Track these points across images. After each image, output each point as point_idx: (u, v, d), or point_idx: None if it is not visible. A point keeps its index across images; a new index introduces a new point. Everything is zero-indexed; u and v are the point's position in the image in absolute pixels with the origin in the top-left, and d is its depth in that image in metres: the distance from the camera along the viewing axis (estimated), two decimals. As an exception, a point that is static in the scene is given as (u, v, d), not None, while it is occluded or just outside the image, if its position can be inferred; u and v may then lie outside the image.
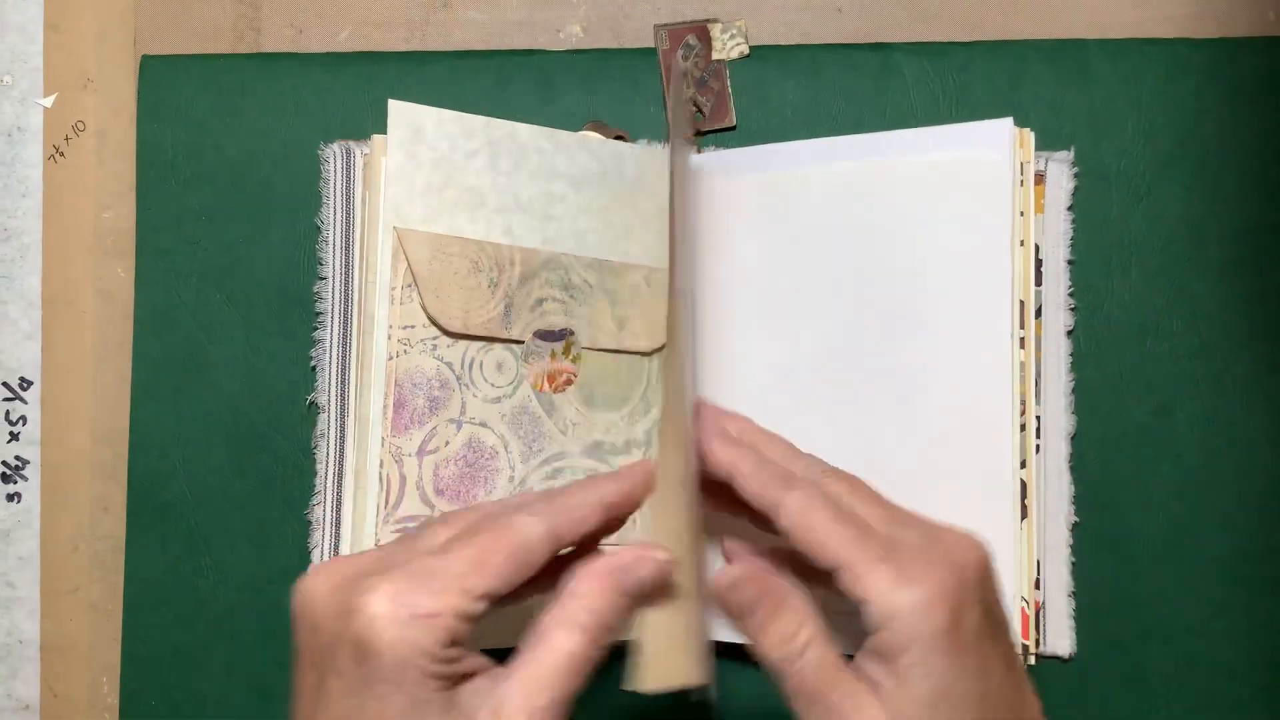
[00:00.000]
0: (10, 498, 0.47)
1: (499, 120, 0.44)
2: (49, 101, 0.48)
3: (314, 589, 0.32)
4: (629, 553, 0.33)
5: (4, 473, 0.47)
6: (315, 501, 0.45)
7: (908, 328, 0.42)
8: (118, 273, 0.47)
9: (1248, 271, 0.45)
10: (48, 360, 0.47)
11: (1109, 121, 0.45)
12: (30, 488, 0.47)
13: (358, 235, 0.45)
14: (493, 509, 0.35)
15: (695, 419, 0.37)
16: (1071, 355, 0.44)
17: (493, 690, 0.31)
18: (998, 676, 0.32)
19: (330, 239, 0.45)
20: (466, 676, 0.32)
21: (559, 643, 0.32)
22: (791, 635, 0.33)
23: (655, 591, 0.34)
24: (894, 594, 0.31)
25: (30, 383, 0.47)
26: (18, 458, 0.47)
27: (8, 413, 0.47)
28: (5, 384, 0.47)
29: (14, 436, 0.47)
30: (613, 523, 0.35)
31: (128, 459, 0.46)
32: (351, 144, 0.46)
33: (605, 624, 0.32)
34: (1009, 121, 0.42)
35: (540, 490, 0.39)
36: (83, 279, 0.47)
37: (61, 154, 0.47)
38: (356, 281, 0.45)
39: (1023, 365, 0.42)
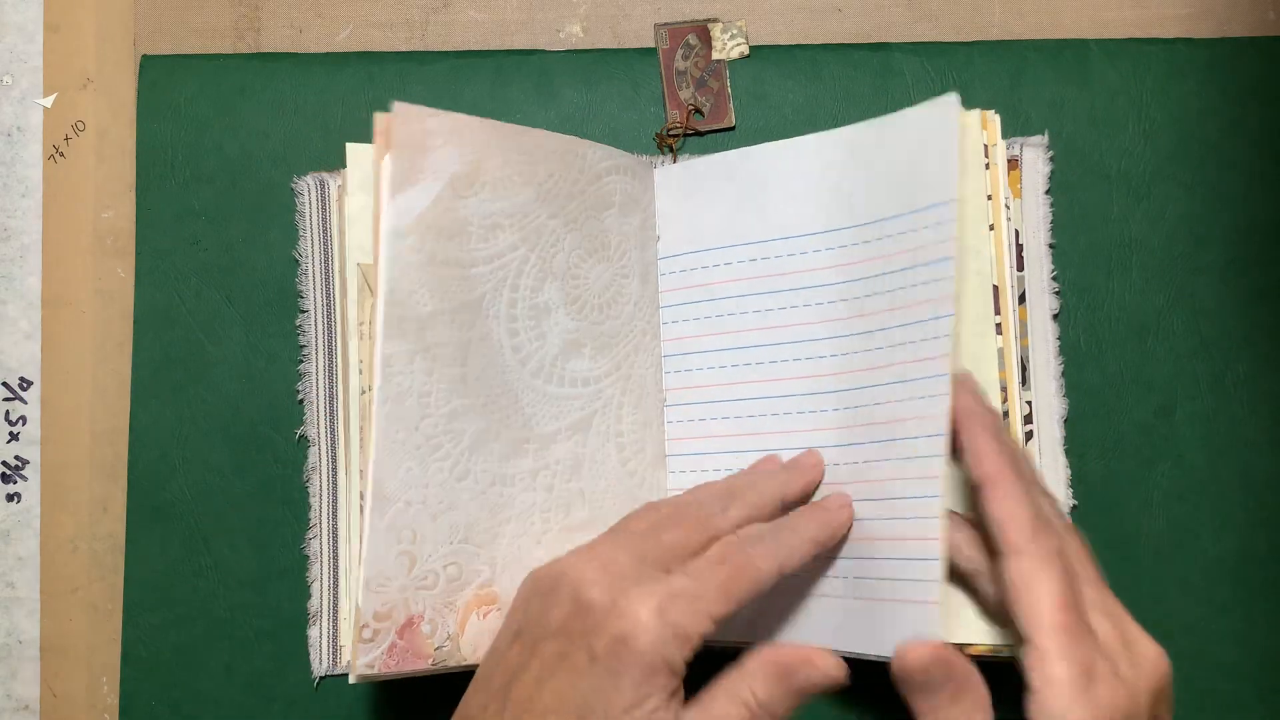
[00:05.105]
0: (10, 498, 0.47)
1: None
2: (49, 101, 0.48)
3: (584, 576, 0.35)
4: (810, 653, 0.36)
5: (4, 473, 0.47)
6: (311, 535, 0.45)
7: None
8: (118, 273, 0.47)
9: (1248, 271, 0.45)
10: (48, 360, 0.47)
11: (1109, 121, 0.45)
12: (30, 488, 0.47)
13: (336, 267, 0.45)
14: (721, 520, 0.38)
15: (961, 396, 0.37)
16: (1068, 352, 0.44)
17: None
18: None
19: (309, 271, 0.45)
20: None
21: (721, 710, 0.35)
22: None
23: (821, 691, 0.36)
24: (1064, 704, 0.33)
25: (30, 382, 0.47)
26: (18, 458, 0.47)
27: (8, 413, 0.47)
28: (5, 384, 0.47)
29: (14, 436, 0.47)
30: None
31: (128, 459, 0.46)
32: (325, 175, 0.45)
33: (767, 711, 0.35)
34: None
35: (766, 524, 0.39)
36: (82, 279, 0.47)
37: (61, 154, 0.47)
38: (338, 313, 0.45)
39: (1001, 351, 0.41)
